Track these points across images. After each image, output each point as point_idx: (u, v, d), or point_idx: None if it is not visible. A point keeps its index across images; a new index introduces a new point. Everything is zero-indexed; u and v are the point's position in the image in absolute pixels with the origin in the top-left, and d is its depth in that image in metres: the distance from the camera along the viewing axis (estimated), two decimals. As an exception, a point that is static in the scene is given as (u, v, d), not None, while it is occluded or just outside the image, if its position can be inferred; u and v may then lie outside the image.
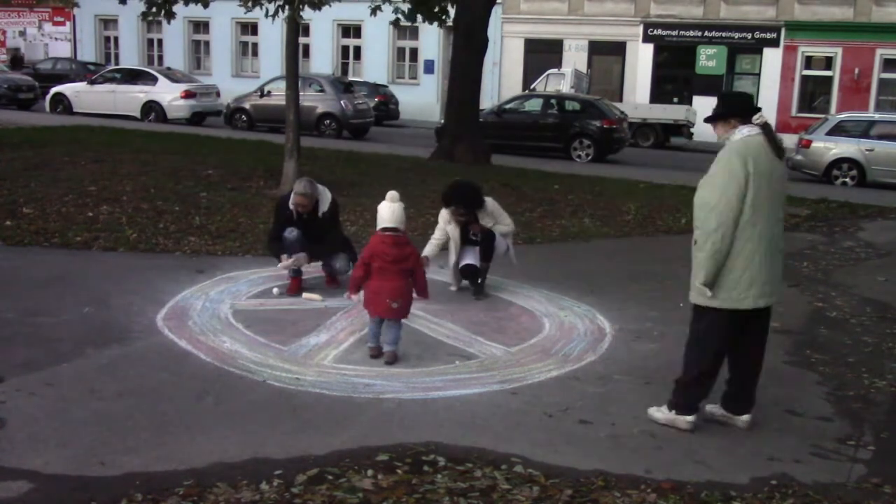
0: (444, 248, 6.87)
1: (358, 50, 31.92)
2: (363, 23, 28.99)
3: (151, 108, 21.50)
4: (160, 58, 33.81)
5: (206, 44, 33.90)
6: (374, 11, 14.03)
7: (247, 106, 21.37)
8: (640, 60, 28.67)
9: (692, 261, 4.20)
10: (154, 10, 11.69)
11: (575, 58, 28.76)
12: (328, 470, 3.65)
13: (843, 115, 18.17)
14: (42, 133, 16.03)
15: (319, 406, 4.37)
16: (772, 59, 27.26)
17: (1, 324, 5.38)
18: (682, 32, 28.10)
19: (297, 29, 10.81)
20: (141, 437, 3.89)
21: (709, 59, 27.85)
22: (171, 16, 11.85)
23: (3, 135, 15.09)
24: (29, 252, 7.39)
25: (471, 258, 6.80)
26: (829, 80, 26.74)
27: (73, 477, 3.51)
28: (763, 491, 3.69)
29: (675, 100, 27.73)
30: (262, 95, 21.14)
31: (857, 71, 26.24)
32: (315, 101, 20.41)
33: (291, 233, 6.47)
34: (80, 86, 22.54)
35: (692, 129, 25.31)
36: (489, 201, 6.81)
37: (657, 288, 7.24)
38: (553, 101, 20.23)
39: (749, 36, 27.41)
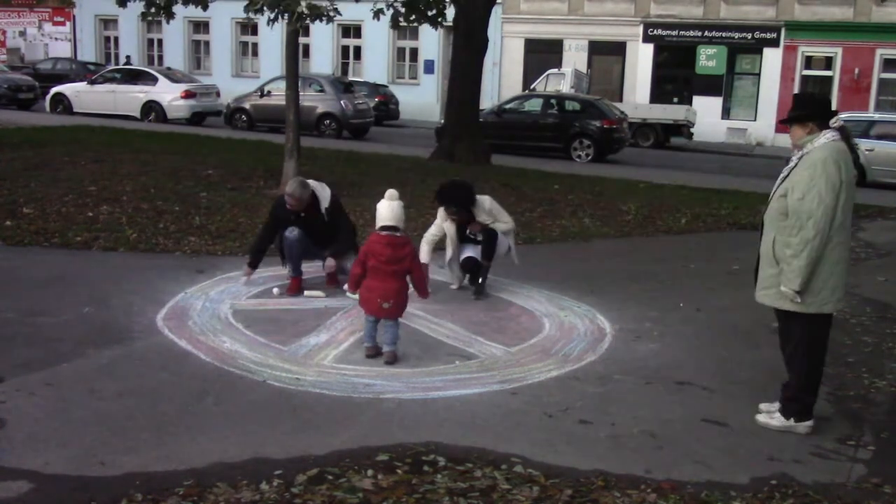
0: (440, 245, 6.88)
1: (358, 50, 31.91)
2: (363, 23, 28.98)
3: (151, 108, 21.50)
4: (160, 58, 33.81)
5: (206, 44, 33.89)
6: (376, 15, 14.02)
7: (247, 106, 21.37)
8: (640, 60, 28.66)
9: (774, 266, 4.22)
10: (153, 10, 11.68)
11: (575, 58, 28.75)
12: (328, 470, 3.65)
13: (843, 115, 18.09)
14: (42, 133, 16.02)
15: (319, 406, 4.37)
16: (772, 59, 27.25)
17: (1, 324, 5.38)
18: (682, 32, 28.09)
19: (297, 30, 10.80)
20: (141, 437, 3.89)
21: (709, 59, 27.85)
22: (170, 16, 11.85)
23: (3, 135, 15.09)
24: (29, 252, 7.39)
25: (471, 252, 6.82)
26: (829, 80, 26.74)
27: (73, 477, 3.51)
28: (763, 491, 3.69)
29: (675, 100, 27.72)
30: (262, 95, 21.14)
31: (857, 71, 26.24)
32: (315, 101, 20.41)
33: (292, 232, 6.48)
34: (80, 86, 22.54)
35: (692, 129, 25.31)
36: (486, 199, 6.81)
37: (657, 288, 7.24)
38: (553, 101, 20.23)
39: (749, 36, 27.41)
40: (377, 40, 30.38)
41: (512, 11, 29.69)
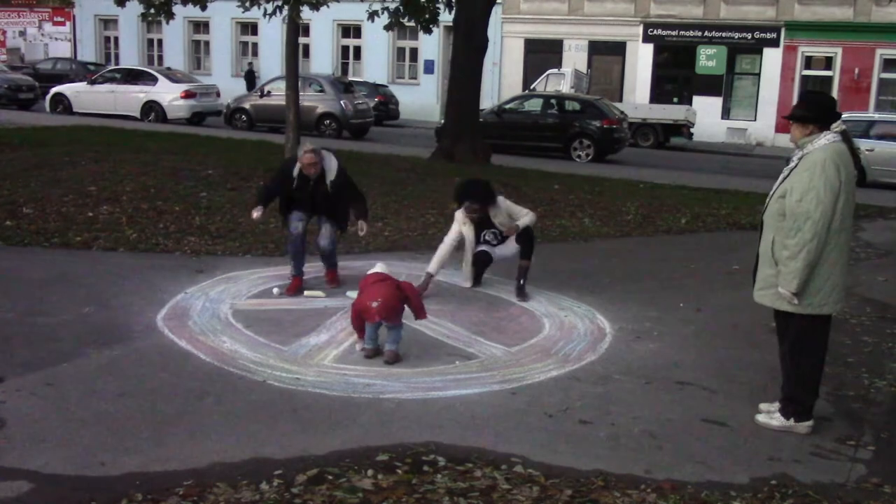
0: (458, 248, 6.90)
1: (358, 50, 31.92)
2: (363, 23, 28.97)
3: (151, 108, 21.50)
4: (160, 58, 33.82)
5: (206, 44, 33.90)
6: (371, 16, 14.06)
7: (247, 106, 21.37)
8: (640, 60, 28.66)
9: (772, 267, 4.23)
10: (153, 10, 11.69)
11: (575, 58, 28.75)
12: (328, 470, 3.65)
13: (843, 115, 18.13)
14: (42, 133, 16.02)
15: (319, 406, 4.37)
16: (772, 59, 27.26)
17: (1, 324, 5.38)
18: (682, 32, 28.09)
19: (296, 29, 10.82)
20: (141, 437, 3.89)
21: (709, 59, 27.85)
22: (170, 16, 11.86)
23: (3, 135, 15.08)
24: (29, 252, 7.39)
25: (484, 246, 6.87)
26: (829, 80, 26.74)
27: (73, 477, 3.51)
28: (763, 491, 3.69)
29: (675, 100, 27.72)
30: (262, 95, 21.15)
31: (857, 71, 26.24)
32: (315, 101, 20.42)
33: (296, 227, 6.48)
34: (80, 86, 22.54)
35: (692, 129, 25.31)
36: (500, 199, 6.83)
37: (657, 288, 7.24)
38: (553, 101, 20.23)
39: (749, 36, 27.41)
40: (377, 40, 30.36)
41: (512, 11, 29.69)
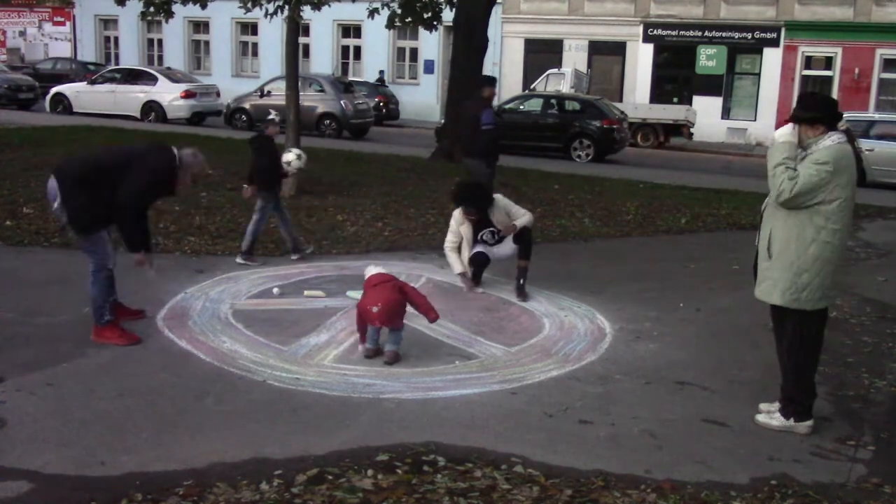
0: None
1: (358, 50, 31.91)
2: (363, 23, 28.97)
3: (151, 108, 21.50)
4: (160, 58, 33.81)
5: (206, 44, 33.88)
6: (371, 14, 14.04)
7: (247, 106, 21.36)
8: (640, 60, 28.65)
9: (767, 260, 4.30)
10: (152, 9, 11.68)
11: (575, 58, 28.74)
12: (328, 470, 3.65)
13: (844, 116, 18.13)
14: (42, 133, 16.02)
15: (319, 406, 4.37)
16: (772, 59, 27.25)
17: (1, 324, 5.38)
18: (682, 32, 28.08)
19: (296, 29, 10.81)
20: (141, 437, 3.89)
21: (709, 59, 27.84)
22: (169, 15, 11.85)
23: (3, 135, 15.08)
24: (29, 252, 7.38)
25: (481, 247, 6.88)
26: (829, 80, 26.74)
27: (73, 477, 3.51)
28: (763, 491, 3.69)
29: (675, 100, 27.72)
30: (262, 95, 21.14)
31: (857, 71, 26.24)
32: (315, 101, 20.41)
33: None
34: (80, 86, 22.53)
35: (692, 129, 25.31)
36: (498, 198, 6.84)
37: (657, 288, 7.24)
38: (553, 101, 20.22)
39: (749, 36, 27.40)
40: (377, 40, 30.37)
41: (512, 11, 29.68)
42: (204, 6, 11.64)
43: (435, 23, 15.26)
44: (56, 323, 5.46)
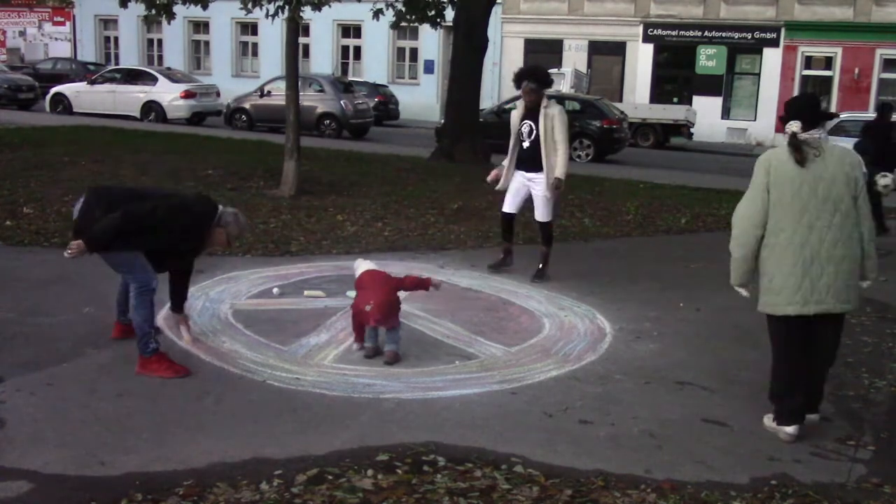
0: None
1: (358, 50, 31.92)
2: (363, 23, 28.99)
3: (151, 108, 21.50)
4: (160, 58, 33.82)
5: (206, 44, 33.91)
6: (375, 15, 14.04)
7: (247, 106, 21.37)
8: (640, 60, 28.67)
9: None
10: (153, 11, 11.68)
11: (575, 58, 28.76)
12: (328, 470, 3.65)
13: (844, 115, 18.17)
14: (42, 133, 16.02)
15: (319, 406, 4.37)
16: (772, 59, 27.27)
17: (1, 324, 5.38)
18: (682, 32, 28.10)
19: (297, 29, 10.81)
20: (141, 437, 3.89)
21: (709, 59, 27.86)
22: (171, 16, 11.85)
23: (3, 135, 15.09)
24: (29, 252, 7.38)
25: (510, 206, 7.33)
26: (829, 80, 26.76)
27: (73, 477, 3.51)
28: (763, 491, 3.69)
29: (675, 100, 27.72)
30: (262, 95, 21.15)
31: (857, 71, 26.25)
32: (315, 101, 20.42)
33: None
34: (80, 86, 22.54)
35: (692, 130, 25.31)
36: (556, 105, 7.15)
37: (657, 288, 7.24)
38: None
39: (749, 36, 27.41)
40: (377, 40, 30.39)
41: (512, 11, 29.69)
42: (205, 7, 11.64)
43: (439, 20, 15.25)
44: (56, 323, 5.46)
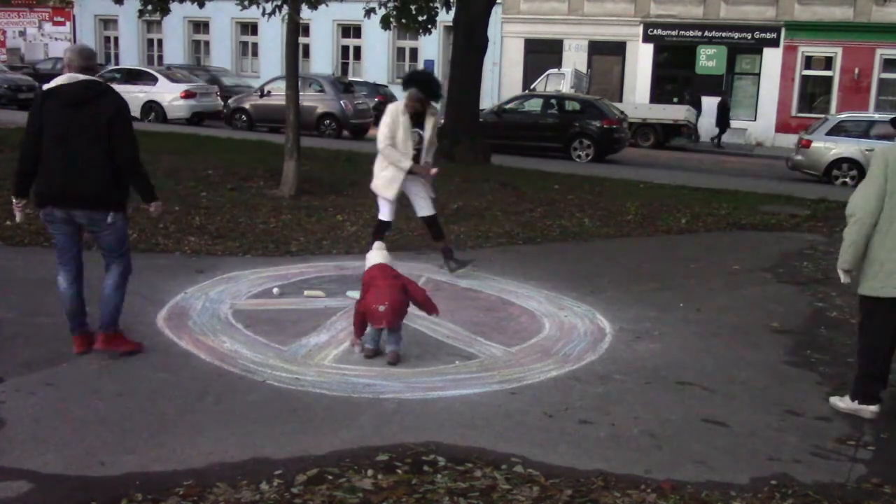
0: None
1: (358, 50, 31.93)
2: (363, 23, 28.97)
3: (151, 108, 21.50)
4: (160, 58, 33.82)
5: (206, 44, 33.91)
6: (367, 13, 14.05)
7: (247, 106, 21.37)
8: (640, 60, 28.67)
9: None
10: (150, 7, 11.68)
11: (575, 58, 28.76)
12: (328, 470, 3.65)
13: (843, 115, 18.18)
14: (42, 133, 15.98)
15: (319, 406, 4.37)
16: (772, 59, 27.26)
17: (1, 324, 5.38)
18: (682, 32, 28.10)
19: (296, 29, 10.81)
20: (141, 437, 3.89)
21: (709, 59, 27.85)
22: (165, 12, 11.85)
23: (3, 135, 15.08)
24: (29, 252, 7.38)
25: (423, 207, 7.07)
26: (829, 80, 26.75)
27: (73, 477, 3.51)
28: (763, 491, 3.69)
29: (675, 100, 27.73)
30: (262, 95, 21.15)
31: (857, 71, 26.25)
32: (315, 101, 20.43)
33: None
34: (80, 86, 22.49)
35: (697, 131, 25.32)
36: (436, 106, 7.01)
37: (657, 288, 7.24)
38: (553, 101, 20.24)
39: (749, 36, 27.41)
40: (377, 40, 30.38)
41: (512, 11, 29.69)
42: (202, 5, 11.64)
43: (430, 26, 15.25)
44: (56, 323, 5.45)
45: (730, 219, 11.02)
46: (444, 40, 28.14)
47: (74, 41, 35.57)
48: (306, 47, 30.00)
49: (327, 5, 10.77)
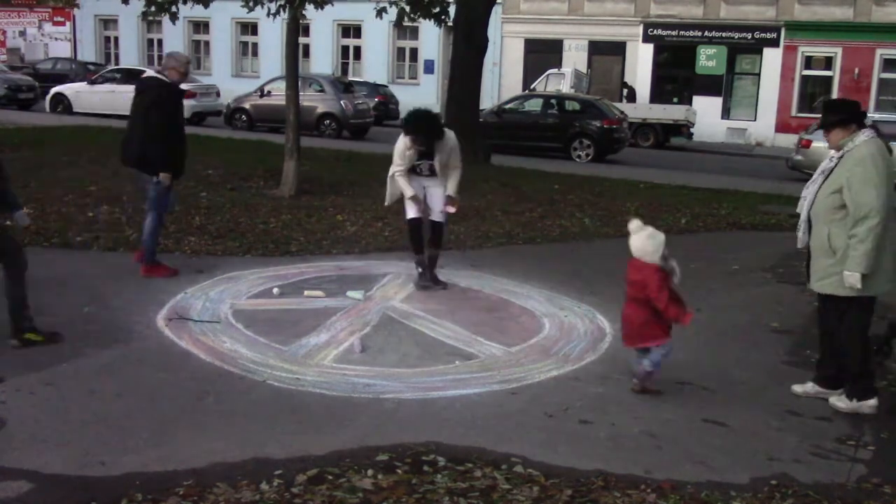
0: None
1: (358, 50, 31.92)
2: (363, 23, 29.04)
3: (152, 108, 21.45)
4: (160, 58, 33.73)
5: (206, 44, 33.90)
6: (379, 14, 14.02)
7: (247, 106, 21.36)
8: (640, 60, 28.66)
9: (832, 257, 4.53)
10: (153, 9, 11.66)
11: (575, 58, 28.75)
12: (328, 470, 3.65)
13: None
14: (42, 133, 16.02)
15: (319, 406, 4.37)
16: (772, 59, 27.25)
17: (1, 324, 5.38)
18: (682, 32, 28.09)
19: (297, 29, 10.81)
20: (141, 437, 3.89)
21: (709, 59, 27.84)
22: (174, 17, 11.84)
23: (3, 135, 15.08)
24: (29, 252, 7.35)
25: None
26: (829, 80, 26.74)
27: (73, 477, 3.51)
28: (763, 491, 3.69)
29: (675, 100, 27.72)
30: (262, 95, 21.14)
31: (857, 71, 26.24)
32: (315, 101, 20.41)
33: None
34: (80, 86, 22.53)
35: (692, 130, 25.30)
36: (450, 135, 6.74)
37: (657, 288, 7.22)
38: (553, 101, 20.23)
39: (749, 36, 27.40)
40: (377, 40, 30.39)
41: (512, 11, 29.68)
42: (206, 5, 11.63)
43: (444, 17, 15.21)
44: (56, 323, 5.45)
45: (730, 219, 11.01)
46: (444, 40, 28.13)
47: (74, 41, 35.61)
48: (306, 47, 29.97)
49: (333, 5, 10.75)
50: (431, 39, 29.41)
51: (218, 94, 23.27)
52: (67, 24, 36.45)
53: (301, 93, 12.08)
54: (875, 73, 26.25)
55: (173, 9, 11.67)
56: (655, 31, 28.38)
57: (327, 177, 12.32)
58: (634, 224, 4.96)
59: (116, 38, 35.19)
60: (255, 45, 32.97)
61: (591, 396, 4.70)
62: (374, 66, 30.83)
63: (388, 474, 3.64)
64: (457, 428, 4.17)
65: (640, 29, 28.46)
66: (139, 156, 6.63)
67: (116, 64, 31.08)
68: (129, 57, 33.74)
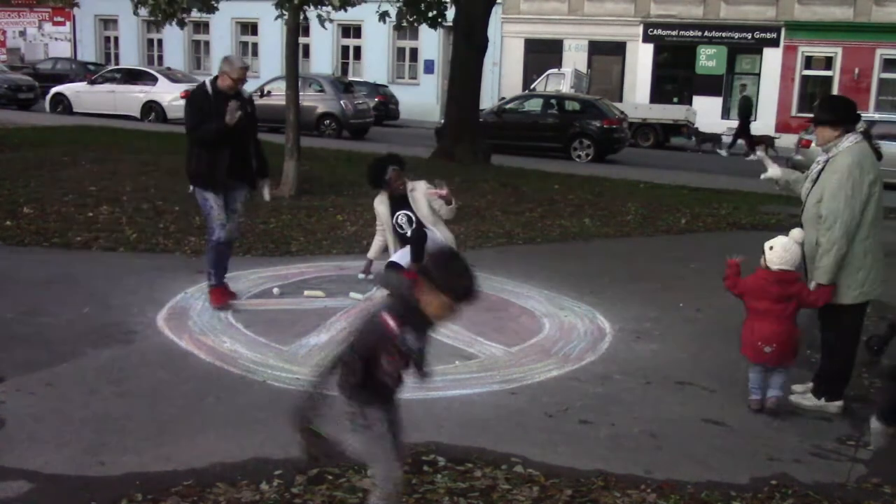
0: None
1: (358, 50, 31.91)
2: (363, 23, 29.01)
3: (151, 108, 21.50)
4: (160, 58, 33.80)
5: (206, 44, 33.89)
6: (381, 17, 14.04)
7: (246, 106, 21.33)
8: (640, 60, 28.67)
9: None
10: (160, 16, 11.65)
11: (575, 58, 28.76)
12: (328, 470, 3.65)
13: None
14: (42, 133, 16.02)
15: (319, 406, 4.36)
16: (772, 59, 27.26)
17: (1, 324, 5.38)
18: (682, 32, 28.10)
19: (296, 29, 10.81)
20: (141, 437, 3.89)
21: (709, 59, 27.86)
22: (182, 23, 11.85)
23: (3, 135, 15.09)
24: (29, 252, 7.38)
25: (397, 258, 6.46)
26: (829, 80, 26.74)
27: (73, 477, 3.51)
28: (763, 491, 3.69)
29: (675, 100, 27.72)
30: (262, 95, 21.13)
31: (856, 71, 26.24)
32: (315, 101, 20.41)
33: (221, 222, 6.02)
34: (80, 86, 22.53)
35: (698, 130, 25.32)
36: (419, 185, 6.67)
37: (657, 288, 7.24)
38: (553, 101, 20.23)
39: (749, 36, 27.41)
40: (377, 40, 30.38)
41: (512, 11, 29.69)
42: (211, 11, 11.64)
43: (440, 20, 15.23)
44: (56, 323, 5.46)
45: (730, 219, 11.01)
46: (444, 40, 28.12)
47: (74, 41, 35.62)
48: (306, 47, 29.96)
49: (346, 10, 10.73)
50: (431, 39, 29.38)
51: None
52: (67, 24, 36.44)
53: (301, 93, 12.09)
54: (875, 73, 26.26)
55: (180, 14, 11.65)
56: (655, 31, 28.39)
57: (327, 177, 12.32)
58: (797, 233, 4.65)
59: (116, 38, 35.19)
60: (255, 45, 32.96)
61: (591, 396, 4.70)
62: (374, 66, 30.83)
63: (388, 474, 3.63)
64: (457, 428, 4.17)
65: (640, 29, 28.47)
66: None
67: (116, 64, 31.08)
68: (129, 57, 33.74)
